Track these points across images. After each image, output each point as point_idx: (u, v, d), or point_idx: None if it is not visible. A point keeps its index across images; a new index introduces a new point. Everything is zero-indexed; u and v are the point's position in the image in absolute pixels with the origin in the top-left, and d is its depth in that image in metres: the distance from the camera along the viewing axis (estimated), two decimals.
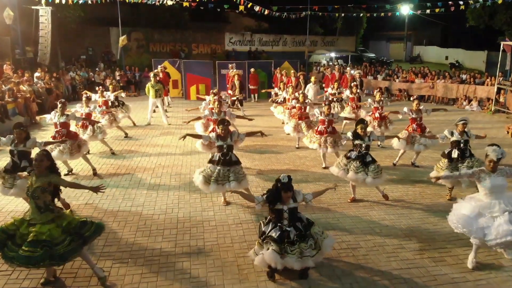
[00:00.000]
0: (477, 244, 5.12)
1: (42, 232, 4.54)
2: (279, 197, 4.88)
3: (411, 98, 9.74)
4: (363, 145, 7.00)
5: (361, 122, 7.12)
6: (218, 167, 6.75)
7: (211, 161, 6.93)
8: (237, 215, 6.73)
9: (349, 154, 7.09)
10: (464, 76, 19.91)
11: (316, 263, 4.86)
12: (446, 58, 36.55)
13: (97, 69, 23.46)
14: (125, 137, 11.97)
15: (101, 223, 5.09)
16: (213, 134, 7.00)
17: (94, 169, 8.74)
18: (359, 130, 7.03)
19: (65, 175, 8.50)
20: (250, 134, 7.53)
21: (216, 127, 7.13)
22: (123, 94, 13.22)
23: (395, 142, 9.26)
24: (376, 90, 11.39)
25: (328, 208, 7.01)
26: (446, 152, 7.52)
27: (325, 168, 9.03)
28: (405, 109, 9.45)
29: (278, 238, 4.73)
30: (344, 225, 6.38)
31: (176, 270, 5.11)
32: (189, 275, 5.00)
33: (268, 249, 4.71)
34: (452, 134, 7.45)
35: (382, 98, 11.01)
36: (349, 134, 7.10)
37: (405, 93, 20.18)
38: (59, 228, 4.66)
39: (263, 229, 4.97)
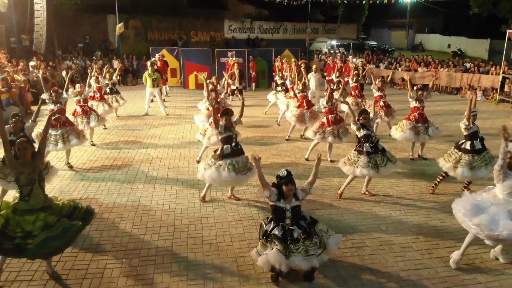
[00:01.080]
0: (476, 234, 4.69)
1: (46, 220, 4.32)
2: (280, 192, 4.62)
3: (414, 88, 9.35)
4: (372, 134, 6.72)
5: (364, 112, 6.81)
6: (235, 159, 6.38)
7: (224, 156, 6.35)
8: (236, 211, 6.46)
9: (362, 149, 6.72)
10: (468, 65, 19.54)
11: (321, 263, 4.59)
12: (449, 46, 36.07)
13: (94, 57, 23.04)
14: (104, 128, 11.63)
15: (90, 209, 4.88)
16: (221, 124, 6.52)
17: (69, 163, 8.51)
18: (362, 121, 6.72)
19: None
20: (241, 114, 6.98)
21: (220, 118, 6.61)
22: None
23: (397, 135, 8.92)
24: (378, 80, 11.03)
25: (331, 204, 6.74)
26: (462, 144, 7.07)
27: (331, 161, 8.78)
28: (412, 103, 9.10)
29: (282, 236, 4.46)
30: (348, 222, 6.11)
31: (172, 271, 4.85)
32: (186, 277, 4.74)
33: (272, 248, 4.44)
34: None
35: (383, 86, 10.70)
36: (355, 125, 6.75)
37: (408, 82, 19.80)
38: (53, 216, 4.42)
39: (265, 228, 4.70)
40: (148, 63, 13.88)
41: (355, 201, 6.87)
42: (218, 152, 6.38)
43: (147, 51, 21.79)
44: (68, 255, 5.15)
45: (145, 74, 13.58)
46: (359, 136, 6.75)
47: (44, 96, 8.53)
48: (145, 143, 10.24)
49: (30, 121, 6.49)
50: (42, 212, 4.37)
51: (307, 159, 8.91)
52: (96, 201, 6.80)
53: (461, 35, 35.13)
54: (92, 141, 10.04)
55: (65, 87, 8.57)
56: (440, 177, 7.18)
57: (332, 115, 8.59)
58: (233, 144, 6.43)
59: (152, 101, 14.66)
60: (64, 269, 4.90)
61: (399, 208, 6.62)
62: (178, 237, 5.65)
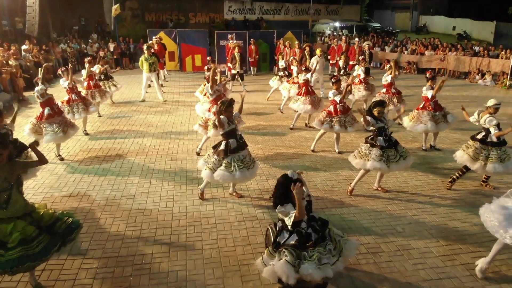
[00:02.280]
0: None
1: (24, 232, 3.82)
2: (288, 197, 4.07)
3: (427, 74, 8.69)
4: (386, 127, 6.17)
5: (381, 104, 6.21)
6: (242, 153, 5.88)
7: (232, 151, 5.80)
8: (239, 210, 5.96)
9: (375, 142, 6.18)
10: (476, 48, 18.85)
11: (335, 273, 4.08)
12: (453, 28, 35.13)
13: (89, 40, 22.29)
14: (98, 116, 11.12)
15: (76, 222, 4.34)
16: (225, 119, 5.84)
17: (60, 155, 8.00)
18: (376, 112, 6.14)
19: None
20: (240, 109, 6.50)
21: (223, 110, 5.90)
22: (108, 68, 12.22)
23: (418, 127, 8.32)
24: (388, 66, 10.39)
25: (342, 202, 6.23)
26: (484, 137, 6.46)
27: (339, 153, 8.26)
28: (428, 88, 8.43)
29: (299, 244, 3.92)
30: (361, 223, 5.61)
31: (169, 283, 4.37)
32: None
33: (280, 259, 3.93)
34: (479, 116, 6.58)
35: (396, 73, 10.07)
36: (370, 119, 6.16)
37: (414, 66, 19.16)
38: (32, 227, 3.93)
39: (275, 238, 4.14)
40: (144, 47, 13.21)
41: (367, 199, 6.36)
42: (222, 147, 5.82)
43: (144, 34, 21.06)
44: (54, 262, 4.67)
45: (142, 58, 12.93)
46: (372, 128, 6.18)
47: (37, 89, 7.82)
48: (141, 132, 9.69)
49: (8, 122, 5.90)
50: (21, 221, 3.87)
51: (313, 151, 8.38)
52: (87, 198, 6.30)
53: (466, 17, 34.19)
54: (85, 130, 9.49)
55: (40, 80, 7.86)
56: (460, 172, 6.65)
57: (340, 104, 8.01)
58: (238, 137, 5.89)
59: (149, 86, 14.06)
60: (50, 280, 4.42)
61: (415, 207, 6.11)
62: (175, 240, 5.15)
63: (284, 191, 4.04)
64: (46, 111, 7.62)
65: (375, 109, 6.13)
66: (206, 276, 4.48)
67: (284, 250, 3.90)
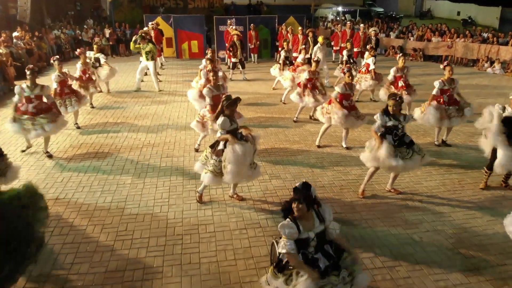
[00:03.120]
0: None
1: None
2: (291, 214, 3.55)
3: (441, 66, 8.05)
4: (399, 126, 5.56)
5: (394, 97, 5.64)
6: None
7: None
8: (240, 215, 5.45)
9: (385, 138, 5.63)
10: (485, 35, 18.16)
11: None
12: (458, 13, 34.26)
13: (85, 26, 21.53)
14: (91, 107, 10.55)
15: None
16: (225, 120, 5.18)
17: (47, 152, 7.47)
18: (391, 108, 5.57)
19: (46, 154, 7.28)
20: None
21: (226, 108, 5.31)
22: (102, 58, 11.54)
23: (430, 120, 7.75)
24: (398, 56, 9.75)
25: (352, 206, 5.73)
26: None
27: (347, 149, 7.75)
28: (436, 83, 7.73)
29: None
30: (375, 231, 5.11)
31: None
32: None
33: (286, 283, 3.45)
34: (504, 109, 6.02)
35: (406, 65, 9.46)
36: (379, 116, 5.60)
37: (421, 52, 18.49)
38: None
39: (278, 255, 3.67)
40: (137, 36, 12.32)
41: (380, 201, 5.85)
42: (221, 147, 5.27)
43: (141, 19, 20.33)
44: (35, 280, 4.18)
45: (131, 43, 12.15)
46: (384, 125, 5.59)
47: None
48: (135, 125, 9.14)
49: None
50: None
51: (318, 146, 7.85)
52: (75, 202, 5.79)
53: (471, 2, 33.29)
54: (77, 123, 8.96)
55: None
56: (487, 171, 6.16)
57: (347, 101, 7.42)
58: (239, 136, 5.35)
59: (145, 74, 13.46)
60: None
61: (432, 211, 5.61)
62: (170, 253, 4.66)
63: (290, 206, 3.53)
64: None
65: (388, 103, 5.57)
66: None
67: (291, 274, 3.41)
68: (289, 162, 7.16)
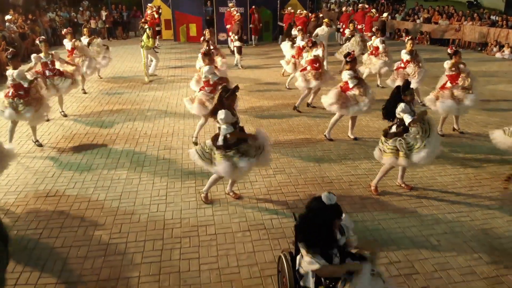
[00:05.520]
0: None
1: None
2: (332, 239, 3.04)
3: (448, 50, 7.61)
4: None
5: (408, 88, 5.19)
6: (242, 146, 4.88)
7: (228, 146, 4.83)
8: (242, 215, 5.07)
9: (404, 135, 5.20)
10: (493, 18, 17.54)
11: None
12: None
13: (80, 8, 20.87)
14: (83, 93, 10.15)
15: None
16: (227, 114, 4.75)
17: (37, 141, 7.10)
18: (409, 97, 5.14)
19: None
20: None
21: (230, 98, 4.93)
22: (99, 40, 11.01)
23: (439, 106, 7.30)
24: (407, 38, 9.30)
25: (363, 203, 5.35)
26: None
27: (355, 139, 7.34)
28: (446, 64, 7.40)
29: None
30: (388, 233, 4.74)
31: None
32: None
33: None
34: None
35: (414, 48, 9.01)
36: (405, 107, 5.06)
37: (427, 36, 17.91)
38: None
39: (300, 283, 3.21)
40: (145, 28, 11.45)
41: (392, 199, 5.47)
42: (221, 143, 4.84)
43: (138, 0, 19.68)
44: None
45: (150, 40, 11.12)
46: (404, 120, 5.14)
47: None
48: (132, 113, 8.70)
49: None
50: None
51: (330, 139, 7.36)
52: (66, 199, 5.41)
53: None
54: (63, 111, 8.52)
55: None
56: None
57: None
58: (238, 130, 4.94)
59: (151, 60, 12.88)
60: None
61: (448, 210, 5.23)
62: (167, 259, 4.29)
63: (325, 230, 2.97)
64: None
65: (406, 93, 5.13)
66: None
67: None
68: (294, 155, 6.76)
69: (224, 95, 4.81)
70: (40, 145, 6.99)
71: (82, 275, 4.07)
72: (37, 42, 8.42)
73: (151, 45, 11.15)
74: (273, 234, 4.68)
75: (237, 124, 4.92)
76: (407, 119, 5.00)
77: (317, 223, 2.93)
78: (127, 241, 4.57)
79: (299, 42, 10.34)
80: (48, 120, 8.00)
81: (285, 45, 11.38)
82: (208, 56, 7.05)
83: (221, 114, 4.72)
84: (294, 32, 11.78)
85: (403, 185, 5.77)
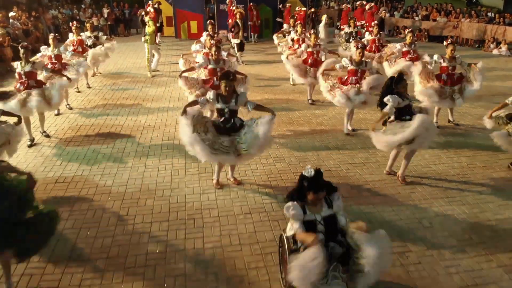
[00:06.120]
0: None
1: None
2: (302, 197, 3.39)
3: (444, 42, 7.90)
4: (411, 103, 5.54)
5: (401, 80, 5.45)
6: (221, 137, 5.08)
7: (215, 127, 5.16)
8: (244, 199, 5.31)
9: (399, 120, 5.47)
10: (491, 14, 17.77)
11: None
12: None
13: (82, 5, 21.10)
14: (88, 87, 10.40)
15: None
16: (211, 94, 5.22)
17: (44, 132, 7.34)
18: (402, 89, 5.41)
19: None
20: (260, 107, 5.49)
21: (220, 82, 5.34)
22: (104, 37, 11.24)
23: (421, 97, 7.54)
24: (407, 31, 9.55)
25: (359, 190, 5.58)
26: None
27: (353, 131, 7.57)
28: (435, 56, 7.64)
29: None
30: (383, 216, 4.97)
31: None
32: None
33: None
34: None
35: (414, 42, 9.25)
36: (391, 99, 5.33)
37: (426, 33, 18.14)
38: None
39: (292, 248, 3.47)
40: (147, 21, 11.70)
41: (387, 185, 5.70)
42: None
43: None
44: (35, 265, 4.07)
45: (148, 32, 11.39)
46: (397, 107, 5.40)
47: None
48: (136, 106, 8.94)
49: None
50: None
51: (354, 130, 7.58)
52: (74, 185, 5.64)
53: None
54: (68, 104, 8.75)
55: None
56: None
57: (355, 77, 7.20)
58: (222, 120, 5.18)
59: (153, 56, 13.10)
60: (29, 287, 3.82)
61: (440, 195, 5.47)
62: (173, 238, 4.53)
63: (299, 189, 3.40)
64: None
65: (399, 86, 5.38)
66: (209, 283, 3.88)
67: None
68: (294, 145, 6.99)
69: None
70: (48, 136, 7.23)
71: (92, 253, 4.30)
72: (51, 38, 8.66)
73: (153, 31, 11.33)
74: (273, 216, 4.91)
75: (225, 114, 5.15)
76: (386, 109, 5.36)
77: (297, 186, 3.41)
78: (134, 222, 4.81)
79: (292, 34, 10.63)
80: (58, 114, 8.26)
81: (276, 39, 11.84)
82: (217, 49, 7.31)
83: (209, 93, 5.14)
84: (285, 26, 12.07)
85: (391, 173, 5.97)
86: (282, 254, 3.73)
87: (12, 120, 5.45)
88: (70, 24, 10.24)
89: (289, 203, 3.35)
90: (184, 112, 5.12)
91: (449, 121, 8.04)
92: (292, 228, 3.31)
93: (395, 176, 5.91)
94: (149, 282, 3.89)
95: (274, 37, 12.32)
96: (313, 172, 3.30)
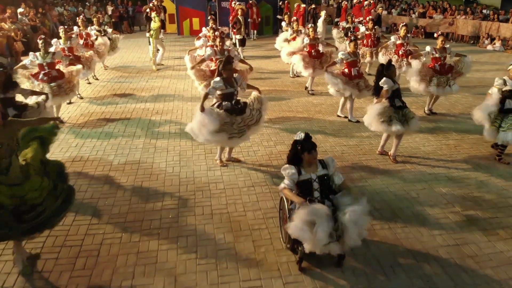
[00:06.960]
0: None
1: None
2: (299, 161, 3.87)
3: (435, 35, 8.44)
4: (399, 87, 6.03)
5: (390, 66, 5.93)
6: (237, 118, 5.58)
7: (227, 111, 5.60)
8: (247, 175, 5.78)
9: (394, 103, 5.95)
10: (485, 11, 18.24)
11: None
12: None
13: (87, 3, 21.58)
14: (95, 79, 10.91)
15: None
16: (219, 81, 5.58)
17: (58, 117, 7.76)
18: (392, 74, 5.91)
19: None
20: (250, 86, 6.12)
21: (224, 68, 5.66)
22: (109, 30, 11.75)
23: (414, 85, 8.06)
24: (401, 24, 10.03)
25: (353, 167, 6.05)
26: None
27: (343, 117, 8.02)
28: (428, 48, 8.16)
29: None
30: (374, 188, 5.45)
31: (179, 248, 4.23)
32: (195, 255, 4.12)
33: None
34: (505, 82, 6.26)
35: (408, 35, 9.74)
36: (386, 81, 5.82)
37: (422, 30, 18.61)
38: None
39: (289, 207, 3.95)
40: (152, 16, 12.13)
41: (379, 163, 6.18)
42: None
43: None
44: (59, 228, 4.47)
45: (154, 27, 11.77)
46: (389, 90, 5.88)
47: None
48: (143, 96, 9.42)
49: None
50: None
51: (357, 122, 7.85)
52: (90, 163, 6.11)
53: None
54: (79, 94, 9.20)
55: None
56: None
57: (356, 68, 7.67)
58: (233, 102, 5.65)
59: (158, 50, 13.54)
60: (55, 246, 4.28)
61: (428, 171, 5.94)
62: (184, 206, 5.00)
63: (294, 153, 3.95)
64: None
65: (389, 71, 5.86)
66: (217, 241, 4.34)
67: None
68: (293, 130, 7.44)
69: (220, 66, 5.57)
70: (62, 122, 7.69)
71: (111, 218, 4.76)
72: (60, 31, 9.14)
73: (159, 26, 11.72)
74: (274, 188, 5.37)
75: (233, 95, 5.63)
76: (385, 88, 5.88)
77: (292, 152, 3.93)
78: (148, 194, 5.27)
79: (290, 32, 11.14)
80: (70, 103, 8.73)
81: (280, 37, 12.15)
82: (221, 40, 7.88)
83: (213, 80, 5.57)
84: (283, 23, 12.51)
85: (383, 152, 6.45)
86: (283, 215, 4.20)
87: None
88: (77, 18, 10.68)
89: (286, 165, 3.88)
90: (202, 109, 5.51)
91: (430, 110, 8.44)
92: (283, 183, 3.85)
93: (387, 155, 6.38)
94: (164, 241, 4.36)
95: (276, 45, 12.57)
96: (303, 135, 3.81)
